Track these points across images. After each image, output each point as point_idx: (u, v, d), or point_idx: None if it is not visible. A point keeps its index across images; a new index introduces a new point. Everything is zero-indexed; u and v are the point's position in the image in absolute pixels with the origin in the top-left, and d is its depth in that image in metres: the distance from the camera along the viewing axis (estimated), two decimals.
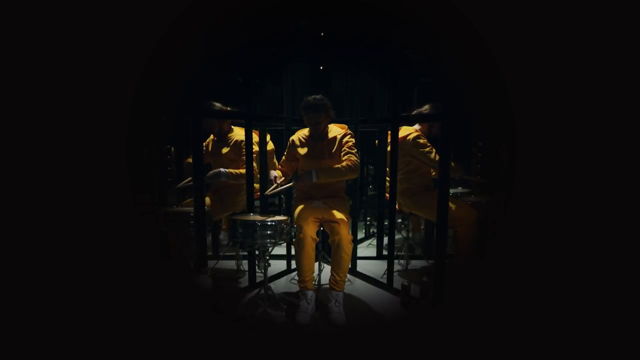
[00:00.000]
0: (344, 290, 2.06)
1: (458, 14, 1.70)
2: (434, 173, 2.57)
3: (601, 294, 1.30)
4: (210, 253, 2.88)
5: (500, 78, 1.53)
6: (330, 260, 2.12)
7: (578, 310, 1.34)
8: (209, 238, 2.89)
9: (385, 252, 2.86)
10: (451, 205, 2.15)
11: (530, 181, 1.47)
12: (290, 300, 2.20)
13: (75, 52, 1.32)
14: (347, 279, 2.13)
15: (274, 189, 2.11)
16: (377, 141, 2.90)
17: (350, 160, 2.09)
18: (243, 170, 2.35)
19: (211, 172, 2.39)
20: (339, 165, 2.08)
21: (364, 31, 2.61)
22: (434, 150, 2.38)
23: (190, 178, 2.37)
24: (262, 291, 2.01)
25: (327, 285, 2.08)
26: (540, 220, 1.44)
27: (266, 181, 2.31)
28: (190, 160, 2.43)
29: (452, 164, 2.15)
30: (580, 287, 1.34)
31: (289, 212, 2.62)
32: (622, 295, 1.27)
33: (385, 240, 2.54)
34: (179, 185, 2.40)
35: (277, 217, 1.95)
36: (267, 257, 1.98)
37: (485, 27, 1.56)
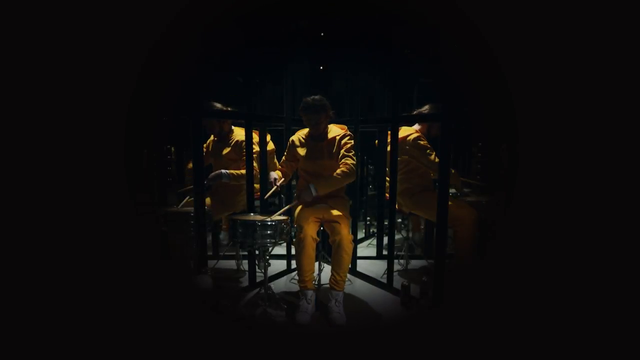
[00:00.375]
0: (344, 290, 2.06)
1: (459, 13, 1.70)
2: (433, 175, 2.57)
3: (601, 294, 1.30)
4: (210, 253, 2.88)
5: (502, 78, 1.53)
6: (330, 260, 2.13)
7: (578, 310, 1.34)
8: (209, 238, 2.89)
9: (385, 252, 2.86)
10: (451, 205, 2.15)
11: (531, 181, 1.46)
12: (291, 300, 2.20)
13: (75, 52, 1.32)
14: (347, 279, 2.13)
15: (273, 191, 2.11)
16: (376, 141, 2.90)
17: (346, 164, 2.10)
18: (244, 171, 2.36)
19: (212, 173, 2.40)
20: (335, 174, 2.09)
21: (364, 31, 2.60)
22: (433, 152, 2.38)
23: (192, 186, 2.37)
24: (262, 291, 2.01)
25: (327, 285, 2.08)
26: (541, 221, 1.44)
27: (266, 182, 2.31)
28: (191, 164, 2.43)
29: (453, 171, 2.14)
30: (580, 287, 1.34)
31: (289, 212, 2.62)
32: (622, 295, 1.27)
33: (385, 240, 2.54)
34: (181, 190, 2.39)
35: (277, 217, 1.95)
36: (267, 257, 1.98)
37: (487, 26, 1.55)
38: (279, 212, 2.06)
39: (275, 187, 2.16)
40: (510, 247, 1.65)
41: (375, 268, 2.74)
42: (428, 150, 2.38)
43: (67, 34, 1.29)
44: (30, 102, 1.26)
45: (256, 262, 2.06)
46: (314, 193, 2.05)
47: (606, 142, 1.30)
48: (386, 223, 2.65)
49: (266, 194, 2.23)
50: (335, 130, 2.25)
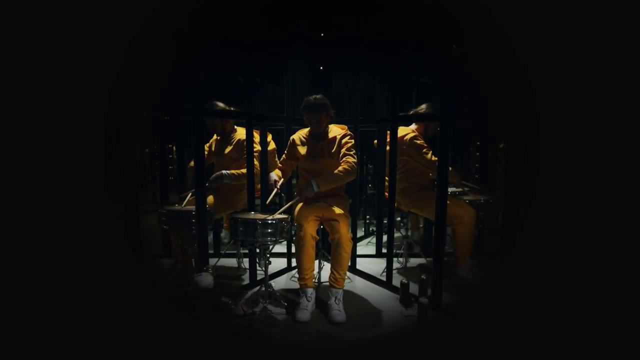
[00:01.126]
0: (344, 288, 2.08)
1: (460, 12, 1.69)
2: (431, 175, 2.59)
3: (601, 295, 1.30)
4: (211, 251, 2.90)
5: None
6: (330, 258, 2.15)
7: (577, 311, 1.34)
8: (210, 236, 2.92)
9: (384, 250, 2.88)
10: (449, 203, 2.18)
11: (539, 182, 1.46)
12: (291, 297, 2.22)
13: (79, 51, 1.33)
14: (346, 277, 2.16)
15: (274, 195, 2.11)
16: (375, 141, 2.93)
17: (348, 162, 2.12)
18: (244, 170, 2.38)
19: (213, 175, 2.42)
20: (337, 171, 2.10)
21: (364, 31, 2.62)
22: (430, 151, 2.40)
23: (192, 191, 2.37)
24: (263, 289, 2.04)
25: (327, 283, 2.11)
26: (541, 221, 1.45)
27: (267, 181, 2.33)
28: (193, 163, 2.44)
29: (450, 168, 2.16)
30: (580, 287, 1.34)
31: (289, 211, 2.64)
32: (628, 298, 1.26)
33: (385, 238, 2.57)
34: (183, 202, 2.39)
35: (278, 216, 1.97)
36: (268, 255, 2.01)
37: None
38: (280, 210, 2.08)
39: (275, 189, 2.17)
40: (509, 247, 1.67)
41: (374, 266, 2.76)
42: (424, 150, 2.40)
43: (77, 33, 1.29)
44: (32, 105, 1.26)
45: (257, 260, 2.08)
46: (315, 189, 2.07)
47: (604, 143, 1.30)
48: (385, 221, 2.68)
49: (267, 196, 2.24)
50: (335, 130, 2.27)
